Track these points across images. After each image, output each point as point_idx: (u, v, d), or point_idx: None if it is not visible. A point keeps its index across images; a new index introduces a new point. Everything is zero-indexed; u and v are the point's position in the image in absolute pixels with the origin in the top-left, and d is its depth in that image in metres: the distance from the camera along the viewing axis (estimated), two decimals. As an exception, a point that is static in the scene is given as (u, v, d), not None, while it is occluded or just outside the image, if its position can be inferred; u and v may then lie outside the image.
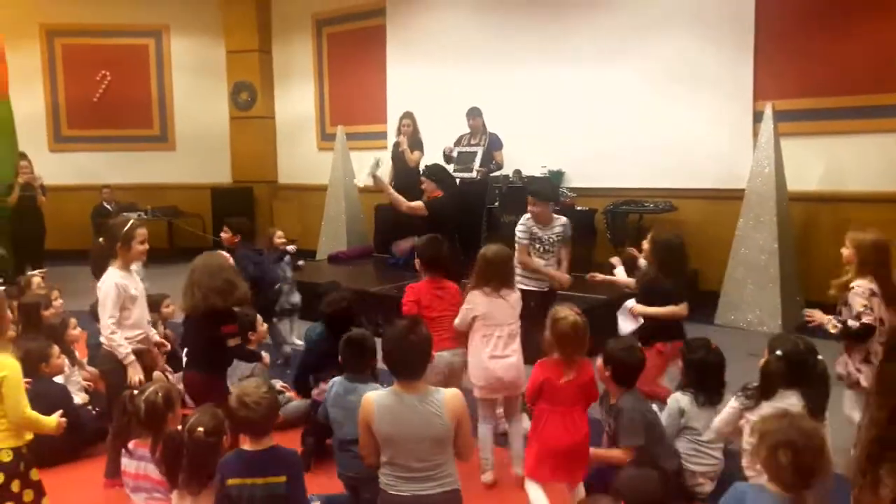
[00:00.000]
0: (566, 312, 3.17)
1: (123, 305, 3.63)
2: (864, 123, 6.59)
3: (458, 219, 6.17)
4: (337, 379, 3.28)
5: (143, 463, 2.82)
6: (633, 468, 2.21)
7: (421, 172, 6.43)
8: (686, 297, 4.13)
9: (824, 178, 6.84)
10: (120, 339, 3.58)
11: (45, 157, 10.35)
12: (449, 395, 2.59)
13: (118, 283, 3.62)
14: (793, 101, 6.84)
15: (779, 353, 3.03)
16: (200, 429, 2.62)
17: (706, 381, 3.52)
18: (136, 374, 3.59)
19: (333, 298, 4.13)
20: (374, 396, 2.61)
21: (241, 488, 2.54)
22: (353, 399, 3.06)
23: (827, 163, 6.83)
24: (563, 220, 4.90)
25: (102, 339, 3.71)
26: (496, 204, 7.93)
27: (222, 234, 5.83)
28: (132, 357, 3.60)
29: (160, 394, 2.80)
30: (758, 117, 6.80)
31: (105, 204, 10.55)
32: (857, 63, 6.57)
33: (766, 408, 2.93)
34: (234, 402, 2.59)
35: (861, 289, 3.63)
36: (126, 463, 2.87)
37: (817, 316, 3.79)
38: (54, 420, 2.90)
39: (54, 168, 9.85)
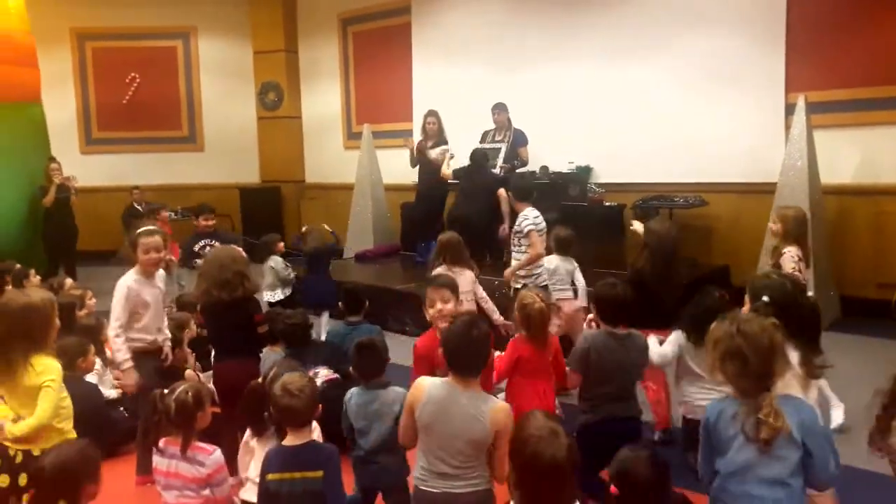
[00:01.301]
0: (532, 299, 3.39)
1: (134, 310, 3.63)
2: (900, 114, 6.44)
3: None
4: (354, 390, 3.18)
5: (174, 461, 2.84)
6: (626, 450, 2.24)
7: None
8: (668, 287, 4.29)
9: (859, 170, 6.70)
10: (120, 344, 3.60)
11: (77, 159, 10.52)
12: (498, 406, 2.53)
13: (130, 286, 3.63)
14: (826, 93, 6.71)
15: (766, 298, 2.70)
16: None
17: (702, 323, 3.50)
18: (130, 380, 3.64)
19: (288, 314, 4.22)
20: (428, 383, 2.59)
21: (280, 483, 2.58)
22: (376, 407, 3.04)
23: (862, 155, 6.68)
24: (525, 212, 5.05)
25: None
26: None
27: (202, 220, 6.47)
28: (129, 363, 3.63)
29: (190, 393, 2.83)
30: (790, 109, 6.67)
31: (135, 205, 10.69)
32: (891, 52, 6.42)
33: None
34: (277, 391, 2.64)
35: (791, 253, 4.24)
36: (157, 461, 2.90)
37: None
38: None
39: (86, 170, 9.98)
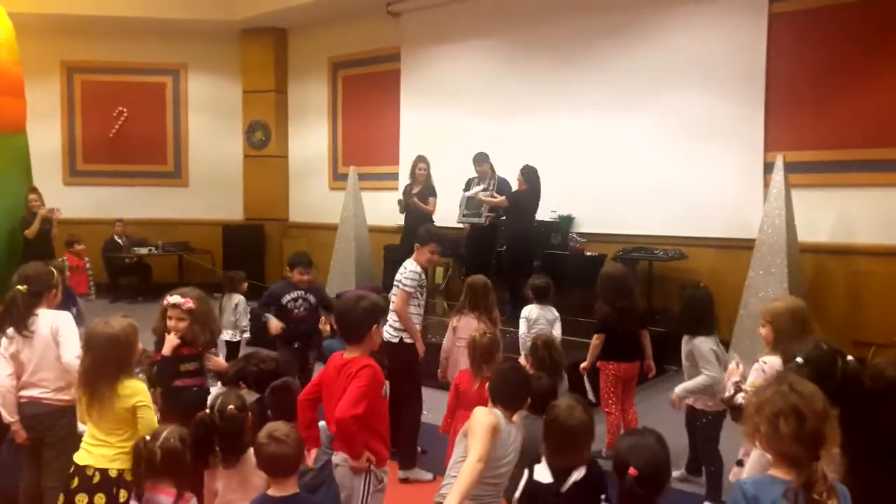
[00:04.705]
0: (481, 334, 3.85)
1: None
2: (875, 177, 6.60)
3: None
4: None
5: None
6: (632, 436, 2.30)
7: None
8: (608, 324, 4.61)
9: (835, 229, 6.83)
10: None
11: (60, 190, 10.48)
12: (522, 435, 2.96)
13: None
14: (804, 153, 6.87)
15: (799, 359, 2.46)
16: (231, 406, 2.84)
17: (696, 313, 4.21)
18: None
19: (262, 357, 3.77)
20: (497, 413, 2.88)
21: None
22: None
23: (838, 215, 6.83)
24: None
25: None
26: (504, 248, 7.93)
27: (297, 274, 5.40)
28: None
29: (176, 437, 2.79)
30: (768, 168, 6.82)
31: (116, 238, 10.64)
32: (869, 116, 6.61)
33: None
34: (263, 438, 2.57)
35: (768, 366, 3.04)
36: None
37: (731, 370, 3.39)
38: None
39: (68, 201, 9.92)
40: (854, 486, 2.20)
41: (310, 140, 11.37)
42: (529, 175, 7.43)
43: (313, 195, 11.35)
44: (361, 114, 10.68)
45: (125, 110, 11.45)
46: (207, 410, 2.94)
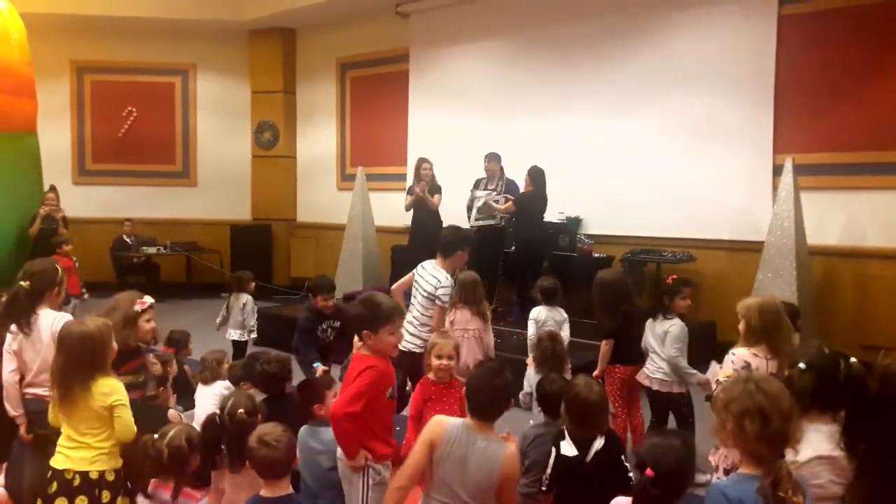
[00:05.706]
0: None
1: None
2: (884, 180, 6.57)
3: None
4: (303, 428, 3.29)
5: (161, 506, 2.79)
6: (655, 437, 2.31)
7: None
8: (615, 330, 4.54)
9: (844, 232, 6.81)
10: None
11: (69, 189, 10.50)
12: (510, 452, 2.58)
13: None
14: (813, 156, 6.84)
15: (802, 365, 2.48)
16: (241, 410, 2.84)
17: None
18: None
19: (268, 358, 3.80)
20: (448, 422, 2.62)
21: None
22: (314, 444, 3.19)
23: (847, 218, 6.80)
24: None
25: None
26: (513, 248, 7.93)
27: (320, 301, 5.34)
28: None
29: (183, 437, 2.80)
30: (777, 171, 6.80)
31: (125, 237, 10.68)
32: (878, 119, 6.58)
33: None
34: (254, 443, 2.57)
35: (736, 357, 3.24)
36: (145, 506, 2.84)
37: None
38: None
39: (77, 201, 10.00)
40: (860, 488, 2.22)
41: (318, 140, 11.39)
42: (536, 176, 7.44)
43: (321, 195, 11.36)
44: (370, 114, 10.69)
45: (134, 110, 11.49)
46: (217, 411, 2.95)
